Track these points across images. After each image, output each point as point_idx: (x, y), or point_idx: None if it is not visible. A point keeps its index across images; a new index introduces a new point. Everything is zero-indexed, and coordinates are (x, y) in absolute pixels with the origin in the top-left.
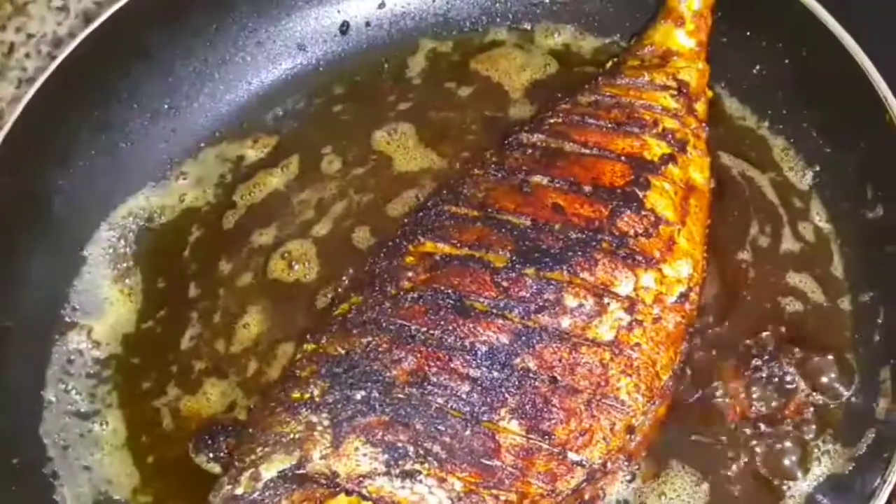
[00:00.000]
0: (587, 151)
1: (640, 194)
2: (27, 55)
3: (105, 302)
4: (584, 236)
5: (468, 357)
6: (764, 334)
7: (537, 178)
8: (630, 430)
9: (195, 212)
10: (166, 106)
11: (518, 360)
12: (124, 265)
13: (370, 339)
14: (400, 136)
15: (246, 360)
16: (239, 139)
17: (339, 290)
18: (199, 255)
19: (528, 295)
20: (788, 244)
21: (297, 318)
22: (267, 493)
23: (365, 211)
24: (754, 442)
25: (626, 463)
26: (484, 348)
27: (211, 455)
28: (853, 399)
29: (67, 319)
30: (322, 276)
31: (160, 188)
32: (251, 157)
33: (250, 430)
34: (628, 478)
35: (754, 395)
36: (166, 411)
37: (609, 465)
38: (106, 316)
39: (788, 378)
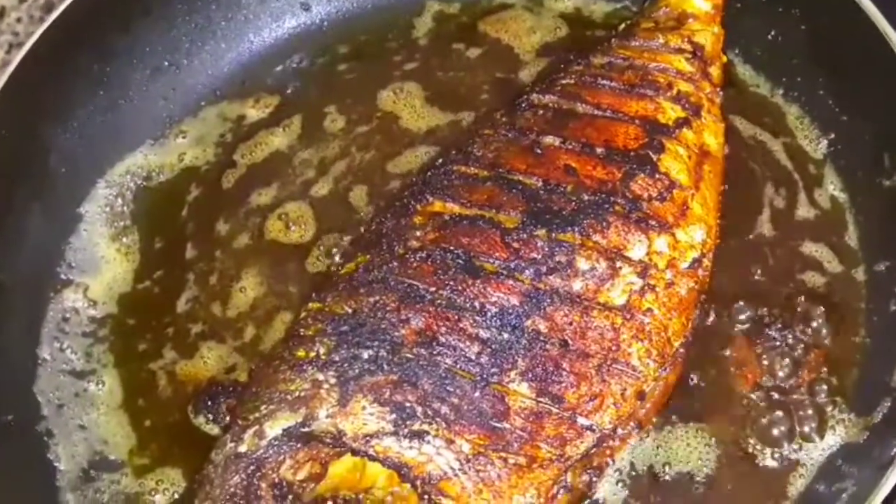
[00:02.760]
0: (600, 113)
1: (654, 157)
2: (18, 20)
3: (101, 260)
4: (596, 198)
5: (477, 318)
6: (777, 304)
7: (549, 140)
8: (641, 395)
9: (194, 171)
10: (166, 63)
11: (528, 322)
12: (121, 224)
13: (377, 297)
14: (406, 95)
15: (243, 324)
16: (240, 98)
17: (334, 252)
18: (197, 215)
19: (538, 256)
20: (803, 211)
21: (293, 283)
22: (271, 452)
23: (365, 169)
24: (767, 410)
25: (635, 429)
26: (494, 309)
27: (210, 416)
28: (865, 371)
29: (63, 277)
30: (318, 238)
31: (159, 147)
32: (252, 116)
33: (254, 389)
34: (636, 444)
35: (767, 364)
36: (162, 374)
37: (619, 430)
38: (102, 274)
39: (801, 347)
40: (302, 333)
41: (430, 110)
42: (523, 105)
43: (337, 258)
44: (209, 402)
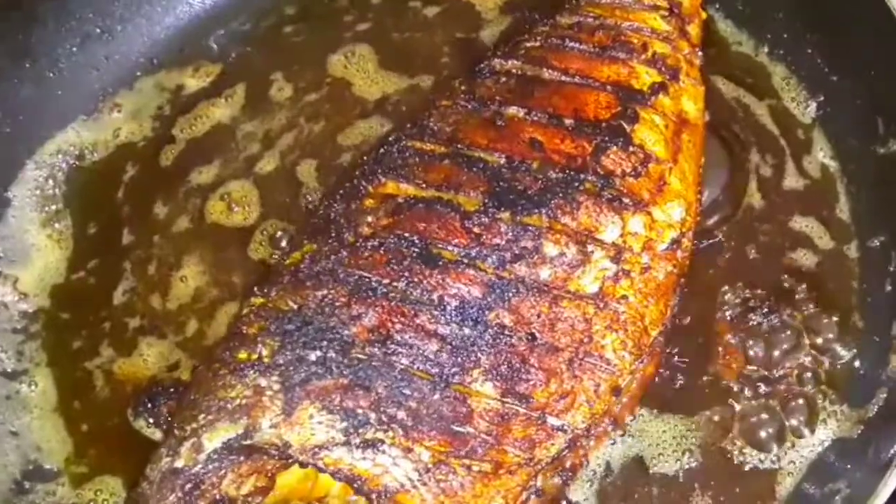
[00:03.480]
0: (568, 79)
1: (628, 128)
2: None
3: (32, 248)
4: (564, 176)
5: (436, 312)
6: (764, 285)
7: (512, 110)
8: (616, 391)
9: (130, 148)
10: (98, 30)
11: (492, 315)
12: (53, 207)
13: (325, 292)
14: (358, 59)
15: (185, 318)
16: (178, 67)
17: (279, 237)
18: (134, 197)
19: (502, 242)
20: (792, 181)
21: (236, 271)
22: (211, 467)
23: (314, 141)
24: (753, 402)
25: (611, 427)
26: (454, 302)
27: (151, 419)
28: (859, 359)
29: None
30: (263, 220)
31: (92, 122)
32: (192, 86)
33: (192, 395)
34: (613, 442)
35: (751, 351)
36: (99, 374)
37: (593, 429)
38: (33, 264)
39: (789, 333)
40: (244, 332)
41: (384, 75)
42: (484, 72)
43: (283, 243)
44: (149, 405)
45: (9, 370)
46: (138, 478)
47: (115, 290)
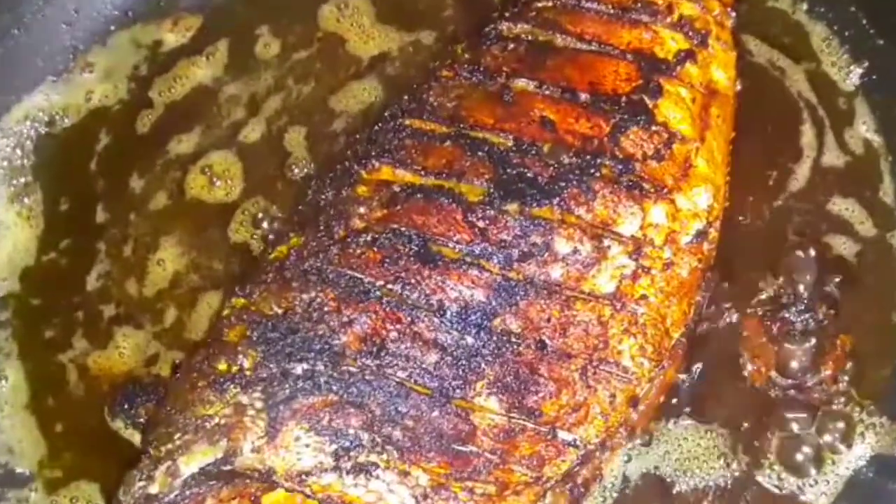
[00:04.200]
0: (584, 47)
1: (650, 104)
2: None
3: (0, 227)
4: (579, 161)
5: (435, 318)
6: (799, 278)
7: (521, 83)
8: (633, 401)
9: (104, 112)
10: None
11: (497, 320)
12: (21, 181)
13: (313, 294)
14: (353, 11)
15: (163, 306)
16: (156, 20)
17: (261, 219)
18: (108, 168)
19: (509, 238)
20: (831, 157)
21: (218, 254)
22: (188, 493)
23: (303, 105)
24: (784, 412)
25: (627, 438)
26: (455, 307)
27: (129, 421)
28: None
29: None
30: (246, 196)
31: (62, 84)
32: (170, 42)
33: (168, 407)
34: (630, 455)
35: (783, 354)
36: (73, 368)
37: (608, 441)
38: (1, 244)
39: (824, 335)
40: (224, 337)
41: (381, 30)
42: (490, 36)
43: (265, 224)
44: (126, 406)
45: None
46: (116, 483)
47: (89, 275)
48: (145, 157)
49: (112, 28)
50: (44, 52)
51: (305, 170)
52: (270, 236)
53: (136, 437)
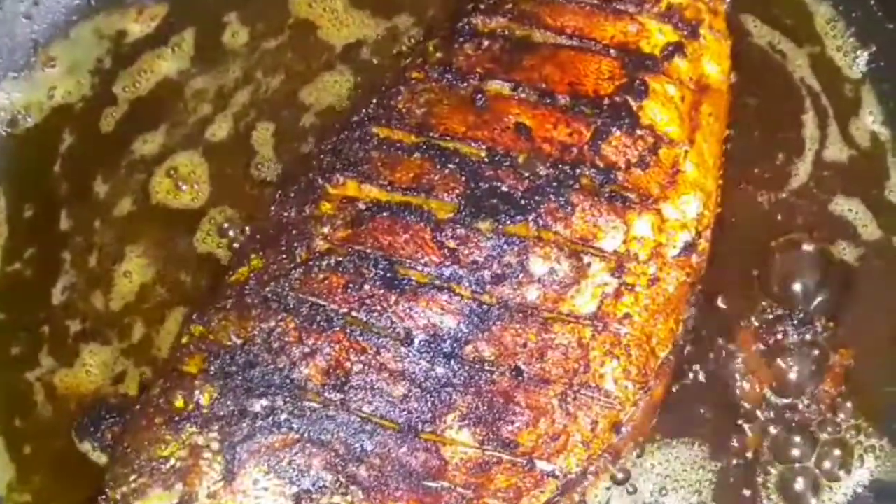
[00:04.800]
0: (564, 42)
1: (634, 105)
2: None
3: None
4: (557, 172)
5: (402, 348)
6: (797, 287)
7: (496, 85)
8: (616, 427)
9: (68, 110)
10: None
11: (469, 348)
12: None
13: (273, 324)
14: None
15: (130, 320)
16: (119, 9)
17: (226, 228)
18: (72, 171)
19: (481, 259)
20: (835, 151)
21: (185, 266)
22: None
23: (272, 99)
24: (778, 436)
25: (611, 463)
26: (423, 335)
27: (96, 443)
28: None
29: None
30: (212, 202)
31: (24, 80)
32: (135, 32)
33: (125, 445)
34: (613, 482)
35: (777, 371)
36: (40, 387)
37: (590, 468)
38: None
39: (822, 350)
40: (182, 368)
41: (355, 15)
42: (465, 32)
43: (231, 233)
44: (92, 429)
45: None
46: None
47: (55, 287)
48: (110, 158)
49: (74, 18)
50: (3, 48)
51: (272, 171)
52: (235, 245)
53: (103, 460)
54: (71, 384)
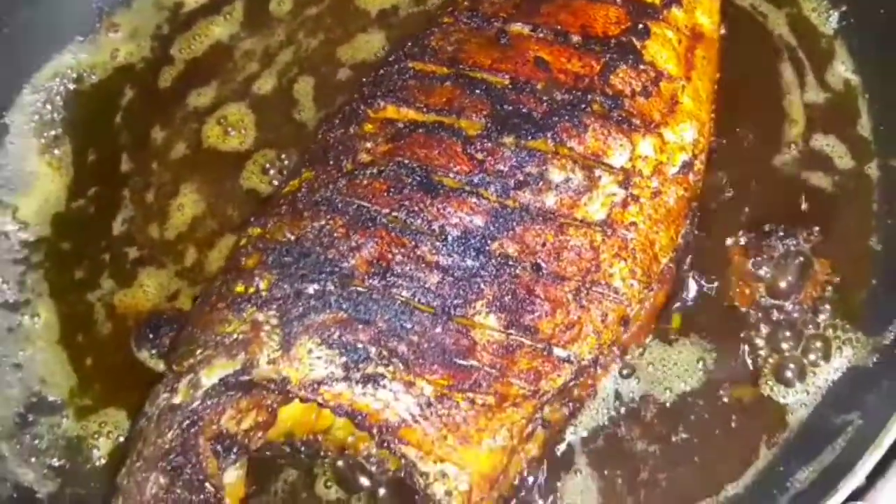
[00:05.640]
0: None
1: (638, 44)
2: None
3: (31, 176)
4: (571, 97)
5: (437, 242)
6: (780, 208)
7: (517, 27)
8: (624, 321)
9: (128, 70)
10: None
11: (495, 244)
12: (51, 133)
13: (323, 222)
14: None
15: (183, 247)
16: None
17: (268, 168)
18: (132, 122)
19: (506, 168)
20: (812, 95)
21: (232, 201)
22: (209, 402)
23: (312, 57)
24: (767, 331)
25: (619, 356)
26: (455, 232)
27: (154, 350)
28: (876, 285)
29: None
30: (257, 145)
31: (89, 44)
32: (191, 3)
33: (190, 328)
34: (622, 372)
35: (766, 278)
36: (101, 307)
37: (601, 359)
38: (33, 192)
39: (804, 259)
40: (241, 264)
41: None
42: None
43: (272, 172)
44: (151, 335)
45: (10, 301)
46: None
47: (115, 220)
48: (166, 110)
49: None
50: (72, 15)
51: (312, 118)
52: (274, 183)
53: (160, 366)
54: (129, 303)
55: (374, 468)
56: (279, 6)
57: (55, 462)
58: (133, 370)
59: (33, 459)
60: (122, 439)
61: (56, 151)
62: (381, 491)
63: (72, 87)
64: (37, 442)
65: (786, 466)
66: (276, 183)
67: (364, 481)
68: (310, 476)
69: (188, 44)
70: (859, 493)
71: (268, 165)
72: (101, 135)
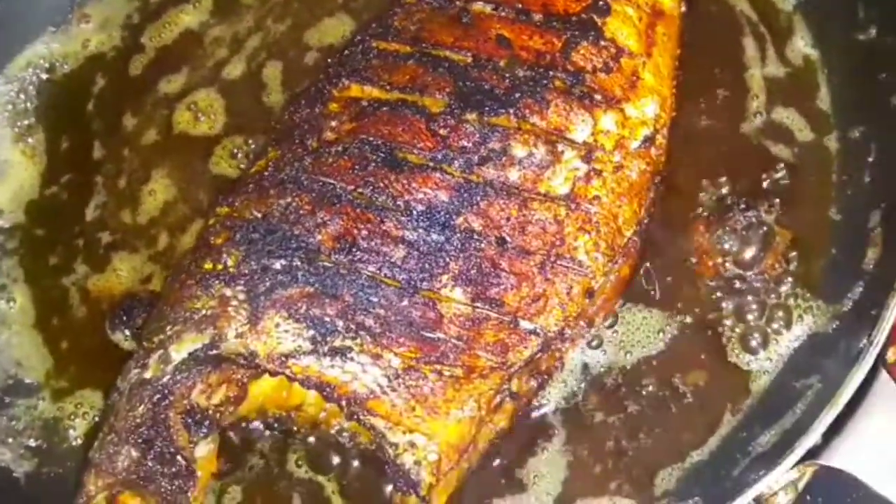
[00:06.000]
0: None
1: (599, 21)
2: None
3: (5, 165)
4: (533, 74)
5: (402, 218)
6: (742, 180)
7: (479, 6)
8: (589, 293)
9: (100, 59)
10: None
11: (460, 219)
12: (25, 122)
13: (290, 199)
14: None
15: (155, 231)
16: None
17: (235, 153)
18: (104, 109)
19: (469, 144)
20: (773, 69)
21: (203, 185)
22: (179, 377)
23: (280, 41)
24: (729, 301)
25: (586, 329)
26: (420, 207)
27: (128, 332)
28: (835, 253)
29: None
30: (226, 130)
31: (62, 34)
32: None
33: (161, 306)
34: (589, 344)
35: (728, 250)
36: (75, 291)
37: (567, 331)
38: (7, 180)
39: (765, 230)
40: (210, 242)
41: None
42: None
43: (239, 156)
44: (125, 318)
45: None
46: None
47: (88, 206)
48: (137, 97)
49: None
50: (44, 6)
51: (280, 101)
52: (240, 157)
53: (134, 348)
54: (103, 287)
55: (346, 442)
56: None
57: (32, 442)
58: (108, 352)
59: (10, 440)
60: (97, 420)
61: (29, 140)
62: (354, 463)
63: (44, 76)
64: (14, 423)
65: (748, 431)
66: (243, 167)
67: (335, 459)
68: (283, 454)
69: (158, 32)
70: (815, 451)
71: (236, 150)
72: (73, 123)
